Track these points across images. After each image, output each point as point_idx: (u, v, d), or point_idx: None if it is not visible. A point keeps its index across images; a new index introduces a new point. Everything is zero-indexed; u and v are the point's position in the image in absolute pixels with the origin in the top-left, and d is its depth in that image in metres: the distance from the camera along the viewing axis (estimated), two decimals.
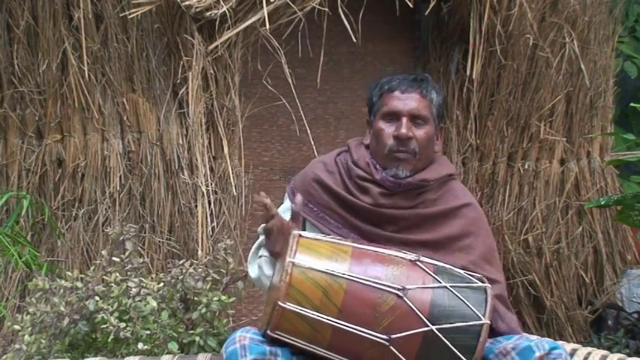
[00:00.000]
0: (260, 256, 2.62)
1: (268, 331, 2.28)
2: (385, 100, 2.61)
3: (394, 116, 2.58)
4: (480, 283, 2.36)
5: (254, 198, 2.56)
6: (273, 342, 2.30)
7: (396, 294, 2.25)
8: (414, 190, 2.58)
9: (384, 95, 2.62)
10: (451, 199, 2.62)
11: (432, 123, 2.61)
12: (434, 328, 2.24)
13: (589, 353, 2.77)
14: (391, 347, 2.23)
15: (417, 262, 2.35)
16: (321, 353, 2.28)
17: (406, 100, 2.58)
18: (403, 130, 2.55)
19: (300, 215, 2.54)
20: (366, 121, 2.70)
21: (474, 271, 2.45)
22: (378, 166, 2.58)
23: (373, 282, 2.27)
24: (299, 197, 2.55)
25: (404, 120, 2.56)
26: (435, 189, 2.61)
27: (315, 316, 2.24)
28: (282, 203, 2.73)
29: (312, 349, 2.28)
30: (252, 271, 2.67)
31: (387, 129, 2.58)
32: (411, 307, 2.25)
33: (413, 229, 2.55)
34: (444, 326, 2.25)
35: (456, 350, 2.24)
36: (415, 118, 2.58)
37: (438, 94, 2.64)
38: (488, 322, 2.27)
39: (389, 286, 2.26)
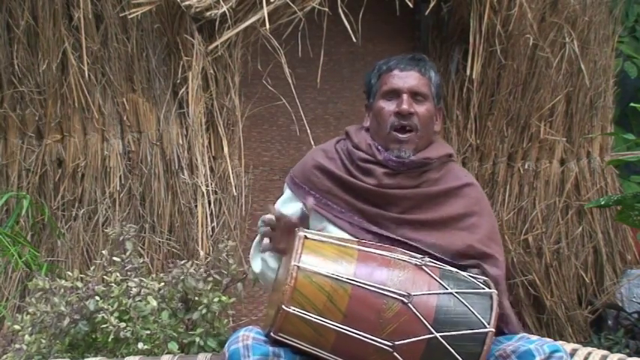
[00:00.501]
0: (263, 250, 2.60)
1: (272, 333, 2.28)
2: (385, 80, 2.61)
3: (394, 94, 2.58)
4: (487, 289, 2.35)
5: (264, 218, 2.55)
6: (276, 343, 2.30)
7: (401, 300, 2.24)
8: (417, 169, 2.58)
9: (383, 75, 2.62)
10: (452, 179, 2.62)
11: (432, 101, 2.61)
12: (438, 335, 2.23)
13: (589, 353, 2.78)
14: (395, 353, 2.23)
15: (423, 267, 2.34)
16: (325, 356, 2.28)
17: (406, 78, 2.59)
18: (404, 106, 2.55)
19: (308, 218, 2.52)
20: (365, 105, 2.69)
21: (480, 250, 2.48)
22: (380, 147, 2.58)
23: (378, 287, 2.26)
24: (311, 200, 2.52)
25: (404, 96, 2.57)
26: (436, 168, 2.61)
27: (319, 321, 2.23)
28: (280, 196, 2.72)
29: (315, 352, 2.28)
30: (256, 266, 2.66)
31: (388, 107, 2.58)
32: (415, 313, 2.24)
33: (417, 209, 2.55)
34: (449, 333, 2.24)
35: (460, 357, 2.23)
36: (415, 95, 2.58)
37: (436, 73, 2.65)
38: (494, 329, 2.26)
39: (394, 292, 2.25)
